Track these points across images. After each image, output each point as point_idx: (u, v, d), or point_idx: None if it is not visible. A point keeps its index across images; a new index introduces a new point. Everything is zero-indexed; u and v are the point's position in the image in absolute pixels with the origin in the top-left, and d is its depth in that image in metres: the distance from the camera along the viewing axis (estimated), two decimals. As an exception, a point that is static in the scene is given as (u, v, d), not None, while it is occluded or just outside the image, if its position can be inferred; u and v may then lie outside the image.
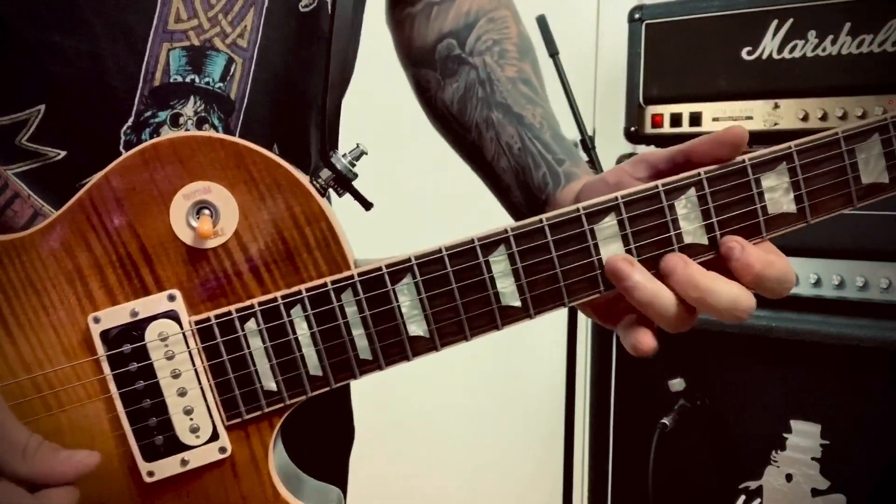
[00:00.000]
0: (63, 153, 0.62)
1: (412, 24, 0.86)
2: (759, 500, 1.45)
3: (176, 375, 0.58)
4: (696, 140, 0.60)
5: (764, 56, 1.46)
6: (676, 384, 1.47)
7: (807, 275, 1.43)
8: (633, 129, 1.58)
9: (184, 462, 0.59)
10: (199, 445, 0.59)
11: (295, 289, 0.58)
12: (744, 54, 1.47)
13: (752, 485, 1.46)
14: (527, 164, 0.76)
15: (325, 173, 0.64)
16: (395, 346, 0.59)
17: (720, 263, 0.59)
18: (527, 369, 2.32)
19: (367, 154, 0.65)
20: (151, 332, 0.57)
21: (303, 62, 0.72)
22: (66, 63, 0.61)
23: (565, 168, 0.75)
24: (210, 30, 0.65)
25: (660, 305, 0.59)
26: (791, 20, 1.42)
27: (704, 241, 0.60)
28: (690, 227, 0.59)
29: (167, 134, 0.62)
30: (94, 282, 0.57)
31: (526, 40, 0.84)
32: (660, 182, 0.59)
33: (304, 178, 0.59)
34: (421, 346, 0.59)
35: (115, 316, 0.57)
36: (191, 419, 0.58)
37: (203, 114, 0.65)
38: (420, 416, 2.15)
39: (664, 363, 1.49)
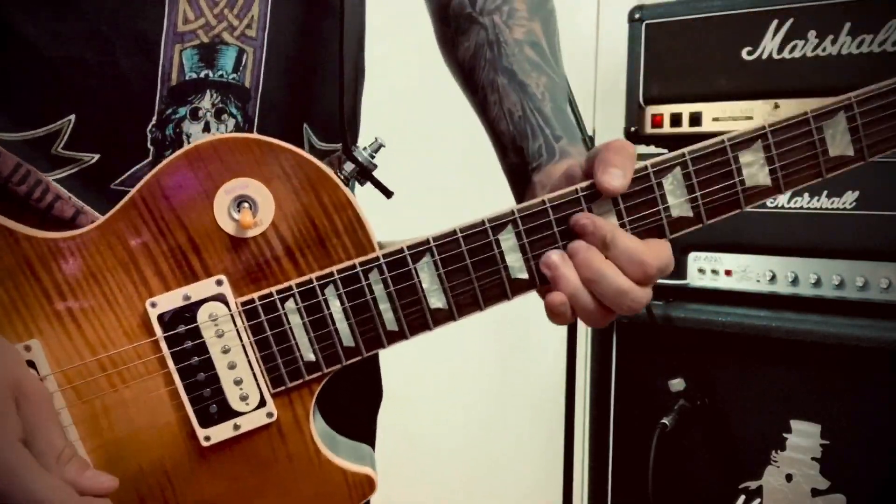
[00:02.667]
0: (96, 156, 0.68)
1: None
2: (759, 500, 1.46)
3: (225, 351, 0.65)
4: (597, 160, 0.66)
5: (764, 56, 1.46)
6: (676, 384, 1.47)
7: (807, 275, 1.44)
8: (633, 129, 1.58)
9: (236, 427, 0.66)
10: (249, 412, 0.66)
11: (327, 270, 0.65)
12: (744, 54, 1.47)
13: (752, 485, 1.46)
14: (525, 133, 0.81)
15: (349, 166, 0.70)
16: (418, 318, 0.66)
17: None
18: (527, 369, 2.32)
19: (384, 147, 0.72)
20: (203, 314, 0.65)
21: (316, 39, 0.76)
22: (89, 74, 0.66)
23: (561, 144, 0.80)
24: (217, 26, 0.70)
25: (580, 298, 0.65)
26: (791, 20, 1.42)
27: (690, 213, 0.68)
28: (677, 202, 0.67)
29: (190, 127, 0.69)
30: (149, 270, 0.64)
31: None
32: (648, 163, 0.66)
33: (330, 172, 0.65)
34: (441, 317, 0.67)
35: (170, 300, 0.64)
36: (240, 389, 0.66)
37: (220, 105, 0.70)
38: (420, 416, 2.15)
39: (664, 363, 1.49)
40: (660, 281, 1.72)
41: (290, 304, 0.65)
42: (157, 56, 0.68)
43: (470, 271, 0.66)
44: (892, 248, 1.35)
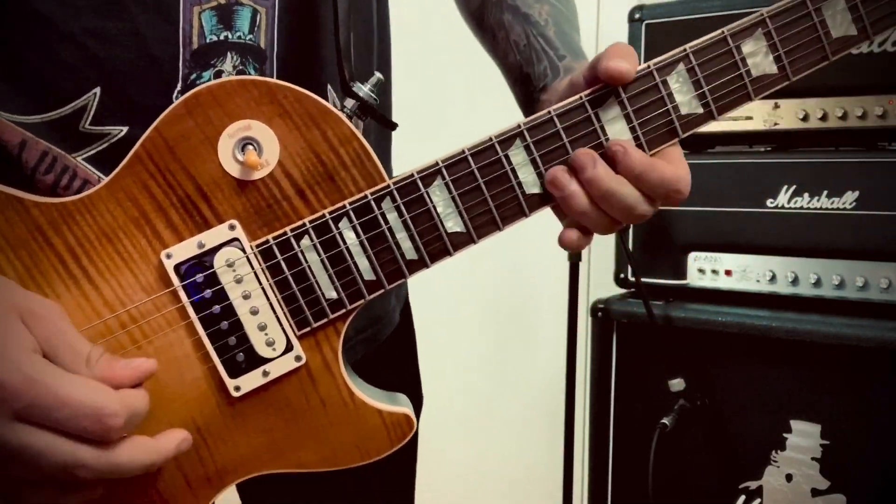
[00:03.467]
0: (125, 129, 0.67)
1: None
2: (759, 500, 1.45)
3: (246, 296, 0.64)
4: (599, 57, 0.65)
5: (764, 56, 1.45)
6: (676, 384, 1.47)
7: (807, 275, 1.44)
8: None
9: (265, 374, 0.65)
10: (277, 357, 0.65)
11: (339, 204, 0.64)
12: (744, 54, 1.47)
13: (752, 485, 1.46)
14: (530, 59, 0.81)
15: (350, 102, 0.69)
16: (436, 244, 0.65)
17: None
18: (527, 369, 2.32)
19: (384, 81, 0.71)
20: (219, 260, 0.64)
21: None
22: (110, 45, 0.66)
23: (565, 63, 0.80)
24: None
25: (590, 216, 0.65)
26: (791, 20, 1.42)
27: (700, 110, 0.66)
28: (685, 99, 0.66)
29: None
30: (160, 223, 0.63)
31: None
32: (651, 62, 0.65)
33: (331, 106, 0.64)
34: (460, 241, 0.65)
35: (185, 250, 0.63)
36: (265, 334, 0.64)
37: (241, 66, 0.70)
38: (419, 415, 2.15)
39: (664, 363, 1.49)
40: (660, 281, 1.72)
41: (305, 241, 0.64)
42: (176, 19, 0.67)
43: (483, 190, 0.65)
44: (892, 248, 1.35)
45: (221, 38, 0.68)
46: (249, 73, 0.70)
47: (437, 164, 0.64)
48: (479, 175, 0.65)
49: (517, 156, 0.65)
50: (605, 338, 1.59)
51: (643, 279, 1.55)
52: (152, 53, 0.66)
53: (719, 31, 0.65)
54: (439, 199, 0.65)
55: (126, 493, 0.63)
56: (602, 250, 1.99)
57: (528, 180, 0.65)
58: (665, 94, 0.65)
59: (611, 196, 0.64)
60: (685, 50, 0.65)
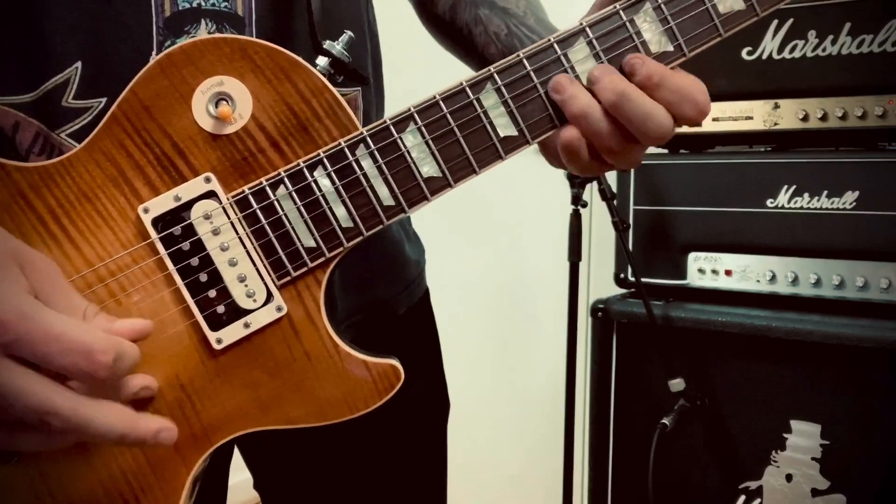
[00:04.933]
0: (104, 100, 0.68)
1: None
2: (759, 500, 1.45)
3: (224, 248, 0.64)
4: None
5: (764, 56, 1.46)
6: (676, 384, 1.47)
7: (807, 275, 1.44)
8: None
9: (246, 325, 0.65)
10: (258, 308, 0.65)
11: (314, 153, 0.65)
12: (744, 54, 1.48)
13: (752, 485, 1.46)
14: (514, 46, 0.82)
15: (322, 59, 0.69)
16: (413, 189, 0.65)
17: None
18: (526, 369, 2.32)
19: (354, 39, 0.71)
20: (196, 212, 0.64)
21: None
22: (86, 16, 0.66)
23: None
24: None
25: (592, 117, 0.63)
26: (791, 20, 1.43)
27: (670, 47, 0.67)
28: (654, 37, 0.66)
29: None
30: (138, 180, 0.64)
31: None
32: (617, 4, 0.66)
33: (302, 59, 0.65)
34: (436, 185, 0.66)
35: (162, 204, 0.64)
36: (245, 285, 0.65)
37: (217, 34, 0.70)
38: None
39: (664, 363, 1.49)
40: (660, 281, 1.72)
41: (280, 190, 0.64)
42: None
43: (457, 133, 0.65)
44: (892, 248, 1.36)
45: (194, 4, 0.69)
46: None
47: (408, 109, 0.65)
48: (452, 119, 0.65)
49: (488, 99, 0.65)
50: (605, 338, 1.59)
51: (643, 279, 1.55)
52: (125, 22, 0.67)
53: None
54: (413, 143, 0.65)
55: (109, 456, 0.63)
56: (602, 250, 1.99)
57: (501, 122, 0.65)
58: (633, 33, 0.66)
59: (625, 99, 0.62)
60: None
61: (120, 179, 0.64)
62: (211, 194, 0.64)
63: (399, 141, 0.65)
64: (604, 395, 1.59)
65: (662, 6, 0.66)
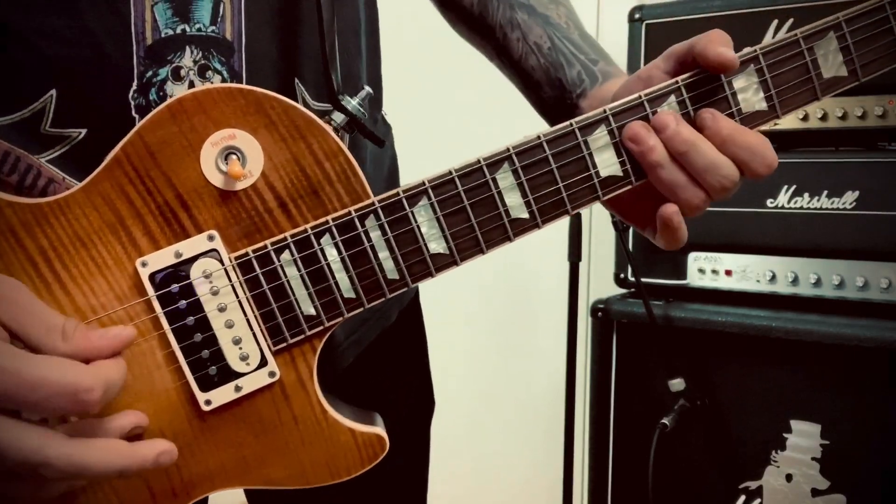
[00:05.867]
0: (84, 131, 0.65)
1: None
2: (759, 500, 1.46)
3: (222, 309, 0.63)
4: (701, 43, 0.64)
5: (764, 56, 1.46)
6: (676, 384, 1.47)
7: (807, 275, 1.44)
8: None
9: (237, 388, 0.63)
10: (250, 372, 0.63)
11: (322, 220, 0.63)
12: (744, 54, 1.47)
13: (752, 485, 1.46)
14: (559, 63, 0.79)
15: (339, 116, 0.68)
16: (418, 264, 0.64)
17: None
18: (527, 369, 2.32)
19: (372, 95, 0.70)
20: (196, 271, 0.62)
21: None
22: (62, 44, 0.63)
23: (600, 67, 0.79)
24: None
25: (667, 168, 0.64)
26: (791, 20, 1.43)
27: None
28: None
29: (173, 88, 0.66)
30: (137, 230, 0.62)
31: None
32: (642, 92, 0.65)
33: (318, 119, 0.63)
34: (442, 262, 0.65)
35: (161, 259, 0.62)
36: (240, 348, 0.63)
37: (203, 61, 0.67)
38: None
39: (664, 363, 1.49)
40: (659, 281, 1.72)
41: (285, 255, 0.63)
42: (127, 13, 0.64)
43: (468, 212, 0.64)
44: (892, 248, 1.36)
45: (178, 31, 0.65)
46: (214, 67, 0.67)
47: (423, 183, 0.64)
48: (465, 197, 0.64)
49: (504, 179, 0.64)
50: (605, 338, 1.59)
51: (643, 279, 1.55)
52: (104, 51, 0.64)
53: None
54: (424, 219, 0.64)
55: (86, 502, 0.62)
56: (602, 250, 1.99)
57: (515, 205, 0.64)
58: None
59: (693, 149, 0.63)
60: (677, 83, 0.65)
61: (118, 226, 0.62)
62: (212, 252, 0.62)
63: (411, 215, 0.63)
64: (604, 395, 1.59)
65: (686, 101, 0.65)
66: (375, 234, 0.63)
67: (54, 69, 0.63)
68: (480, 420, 2.34)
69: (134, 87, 0.65)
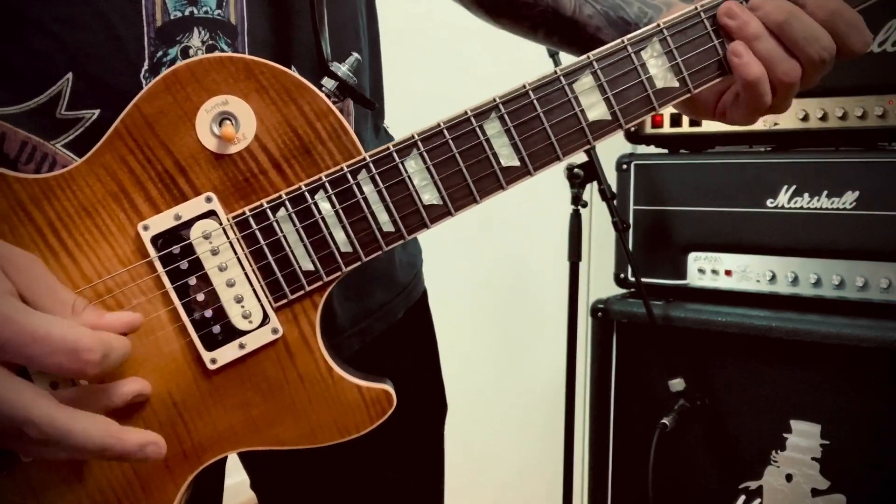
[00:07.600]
0: (97, 111, 0.67)
1: None
2: (759, 500, 1.46)
3: (222, 268, 0.64)
4: None
5: (764, 56, 1.45)
6: (676, 384, 1.47)
7: (807, 275, 1.44)
8: (632, 129, 1.58)
9: (241, 346, 0.65)
10: (253, 329, 0.65)
11: (315, 177, 0.65)
12: (744, 54, 1.47)
13: (752, 485, 1.46)
14: (616, 4, 0.82)
15: (329, 82, 0.69)
16: (412, 216, 0.66)
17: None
18: (527, 369, 2.32)
19: (361, 61, 0.71)
20: (195, 231, 0.64)
21: None
22: (76, 28, 0.65)
23: None
24: None
25: (764, 40, 0.65)
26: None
27: (675, 83, 0.68)
28: (659, 73, 0.68)
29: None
30: (138, 197, 0.64)
31: None
32: (625, 38, 0.67)
33: (307, 81, 0.65)
34: (436, 213, 0.66)
35: (162, 221, 0.64)
36: (242, 306, 0.65)
37: (210, 42, 0.69)
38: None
39: (664, 363, 1.49)
40: (660, 281, 1.72)
41: (281, 212, 0.64)
42: None
43: (459, 162, 0.65)
44: (892, 248, 1.36)
45: (186, 13, 0.68)
46: (221, 48, 0.70)
47: (412, 136, 0.65)
48: (454, 146, 0.65)
49: (492, 128, 0.66)
50: (605, 338, 1.59)
51: (643, 279, 1.55)
52: (117, 34, 0.66)
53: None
54: (415, 170, 0.65)
55: (98, 470, 0.63)
56: (602, 250, 1.99)
57: (504, 152, 0.66)
58: (638, 66, 0.68)
59: (793, 17, 0.64)
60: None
61: (120, 195, 0.64)
62: (211, 214, 0.64)
63: (401, 166, 0.65)
64: (604, 395, 1.60)
65: (669, 40, 0.67)
66: (368, 188, 0.65)
67: (69, 53, 0.65)
68: (481, 420, 2.34)
69: (145, 66, 0.67)
